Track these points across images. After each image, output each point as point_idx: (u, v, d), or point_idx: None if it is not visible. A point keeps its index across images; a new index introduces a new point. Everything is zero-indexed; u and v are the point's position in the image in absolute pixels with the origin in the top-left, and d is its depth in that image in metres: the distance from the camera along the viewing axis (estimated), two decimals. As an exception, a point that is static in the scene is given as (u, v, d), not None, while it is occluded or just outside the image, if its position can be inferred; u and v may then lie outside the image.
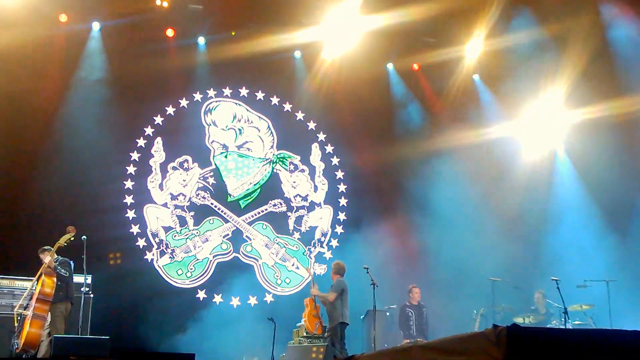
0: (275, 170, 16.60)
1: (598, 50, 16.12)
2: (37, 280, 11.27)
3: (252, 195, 16.30)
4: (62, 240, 11.40)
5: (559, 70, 16.35)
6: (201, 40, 16.09)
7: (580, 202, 17.02)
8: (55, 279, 11.27)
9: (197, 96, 16.20)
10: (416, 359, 7.50)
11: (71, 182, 14.52)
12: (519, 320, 14.16)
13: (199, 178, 15.89)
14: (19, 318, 11.14)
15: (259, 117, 16.68)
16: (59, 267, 11.42)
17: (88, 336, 11.88)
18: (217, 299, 15.35)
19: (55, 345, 10.06)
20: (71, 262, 11.89)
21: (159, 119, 15.72)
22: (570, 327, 13.26)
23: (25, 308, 11.25)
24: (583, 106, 16.76)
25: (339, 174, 17.15)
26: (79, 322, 11.76)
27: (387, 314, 14.87)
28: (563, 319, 13.10)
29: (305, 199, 16.74)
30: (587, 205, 16.84)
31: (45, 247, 11.59)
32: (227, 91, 16.52)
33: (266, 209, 16.33)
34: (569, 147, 17.73)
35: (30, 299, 11.27)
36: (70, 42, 15.04)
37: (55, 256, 11.44)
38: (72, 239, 11.43)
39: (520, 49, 16.27)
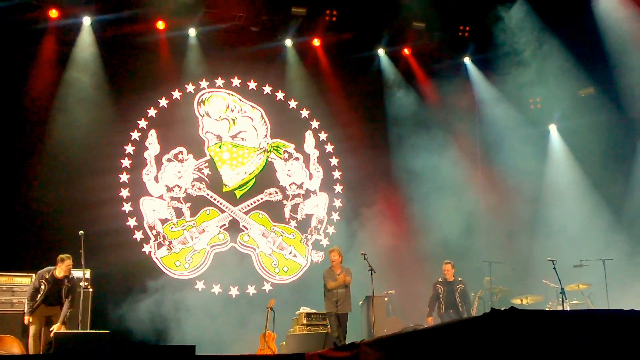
0: (269, 159, 16.60)
1: (588, 30, 16.12)
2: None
3: (247, 185, 16.31)
4: None
5: (551, 50, 16.38)
6: (192, 31, 16.03)
7: (574, 181, 17.08)
8: None
9: (190, 87, 16.17)
10: (417, 345, 7.57)
11: (67, 176, 14.53)
12: (516, 301, 14.26)
13: (194, 169, 15.89)
14: None
15: (252, 106, 16.67)
16: None
17: (88, 331, 11.92)
18: (216, 289, 15.40)
19: (56, 340, 10.09)
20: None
21: (152, 112, 15.70)
22: (568, 307, 13.40)
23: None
24: (576, 85, 16.84)
25: (334, 161, 17.17)
26: (78, 317, 11.79)
27: (386, 299, 14.94)
28: (561, 299, 13.20)
29: (300, 186, 16.76)
30: (582, 185, 16.90)
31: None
32: (219, 82, 16.49)
33: (262, 198, 16.35)
34: (562, 126, 17.80)
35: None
36: (62, 36, 14.99)
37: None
38: None
39: (511, 33, 16.29)
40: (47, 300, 11.64)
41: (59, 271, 11.72)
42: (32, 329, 11.66)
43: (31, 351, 11.61)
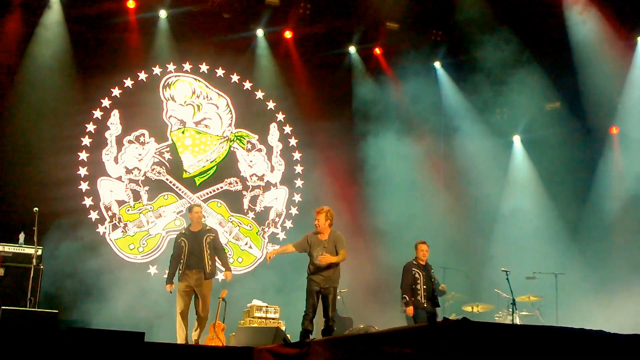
0: (232, 149, 16.50)
1: (559, 44, 16.26)
2: None
3: (208, 173, 16.20)
4: None
5: (521, 62, 16.47)
6: (162, 13, 15.84)
7: (534, 193, 17.26)
8: None
9: (157, 70, 15.99)
10: (367, 348, 7.57)
11: (25, 152, 14.34)
12: (467, 309, 14.36)
13: (155, 153, 15.73)
14: None
15: (219, 94, 16.55)
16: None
17: (36, 309, 11.74)
18: (169, 275, 15.27)
19: (3, 316, 9.95)
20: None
21: (116, 91, 15.50)
22: (518, 318, 13.53)
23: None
24: (543, 98, 17.00)
25: (296, 155, 17.11)
26: (28, 295, 11.60)
27: (338, 297, 14.90)
28: (511, 309, 13.33)
29: (261, 178, 16.68)
30: (541, 197, 17.09)
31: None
32: (186, 66, 16.33)
33: (221, 187, 16.25)
34: (526, 138, 17.96)
35: None
36: (29, 11, 14.75)
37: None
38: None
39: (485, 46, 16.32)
40: (189, 260, 11.72)
41: (192, 224, 12.00)
42: (178, 305, 11.76)
43: (178, 333, 11.67)
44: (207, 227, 12.29)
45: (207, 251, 11.80)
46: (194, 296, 11.87)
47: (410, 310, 11.78)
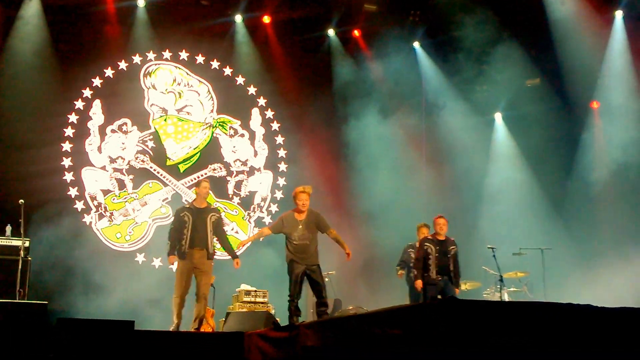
0: (215, 135, 16.51)
1: (538, 20, 16.33)
2: None
3: (191, 160, 16.20)
4: None
5: (500, 39, 16.52)
6: (140, 2, 15.78)
7: (517, 170, 17.35)
8: None
9: (137, 59, 15.95)
10: (356, 330, 7.63)
11: (7, 145, 14.28)
12: (455, 286, 14.44)
13: (138, 141, 15.72)
14: None
15: (199, 80, 16.54)
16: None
17: (25, 301, 11.74)
18: (157, 262, 15.28)
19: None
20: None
21: (97, 81, 15.45)
22: (506, 294, 13.65)
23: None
24: (523, 75, 17.07)
25: (279, 139, 17.15)
26: (16, 287, 11.60)
27: (327, 279, 14.96)
28: (499, 286, 13.44)
29: (245, 163, 16.71)
30: (524, 174, 17.18)
31: None
32: (166, 54, 16.29)
33: (205, 174, 16.24)
34: (507, 115, 18.05)
35: None
36: (6, 4, 14.69)
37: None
38: None
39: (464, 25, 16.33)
40: (193, 238, 11.01)
41: (198, 199, 11.36)
42: (177, 287, 11.05)
43: (177, 312, 10.99)
44: (212, 206, 11.89)
45: (210, 230, 11.23)
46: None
47: (418, 284, 11.74)
